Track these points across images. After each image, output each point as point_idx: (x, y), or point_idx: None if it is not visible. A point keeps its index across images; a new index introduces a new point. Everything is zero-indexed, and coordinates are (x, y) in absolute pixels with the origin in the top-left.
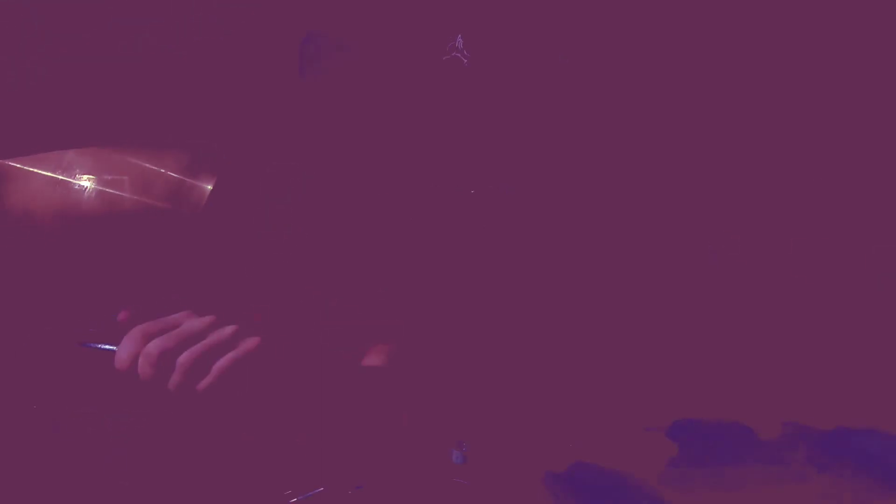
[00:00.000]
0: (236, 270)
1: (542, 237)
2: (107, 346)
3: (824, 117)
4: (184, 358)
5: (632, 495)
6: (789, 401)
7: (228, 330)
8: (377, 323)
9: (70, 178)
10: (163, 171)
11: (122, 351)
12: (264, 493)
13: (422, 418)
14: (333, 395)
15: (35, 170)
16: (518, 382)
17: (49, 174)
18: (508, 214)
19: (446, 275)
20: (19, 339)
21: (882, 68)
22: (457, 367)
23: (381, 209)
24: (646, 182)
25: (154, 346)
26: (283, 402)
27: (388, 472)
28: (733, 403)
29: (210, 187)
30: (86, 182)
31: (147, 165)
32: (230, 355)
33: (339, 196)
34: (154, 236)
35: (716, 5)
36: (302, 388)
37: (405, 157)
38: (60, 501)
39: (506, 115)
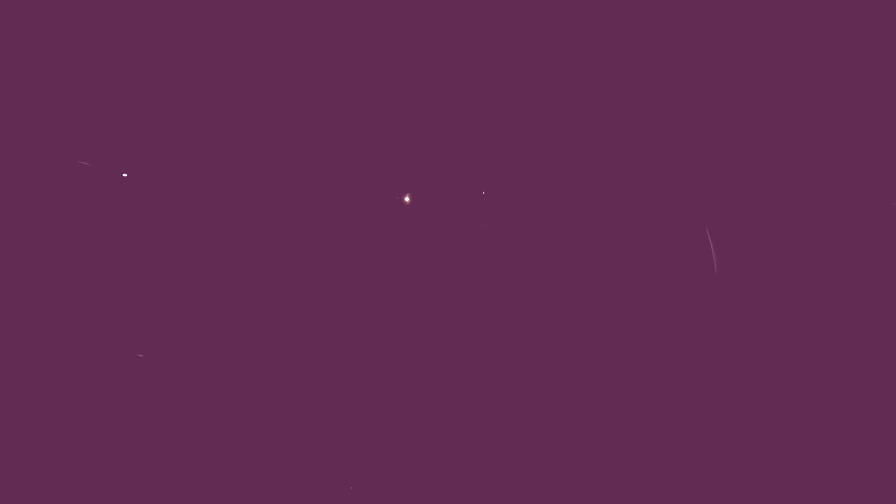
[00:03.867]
0: (238, 270)
1: (542, 239)
2: None
3: (824, 118)
4: None
5: None
6: (787, 400)
7: None
8: (377, 323)
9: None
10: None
11: None
12: (265, 493)
13: (421, 417)
14: (333, 395)
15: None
16: (517, 382)
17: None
18: (509, 216)
19: (445, 275)
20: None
21: (882, 68)
22: (456, 367)
23: (380, 210)
24: (645, 182)
25: None
26: (283, 402)
27: (388, 472)
28: (732, 403)
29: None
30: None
31: None
32: None
33: (338, 196)
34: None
35: (716, 6)
36: (302, 388)
37: (404, 158)
38: (61, 501)
39: (506, 116)
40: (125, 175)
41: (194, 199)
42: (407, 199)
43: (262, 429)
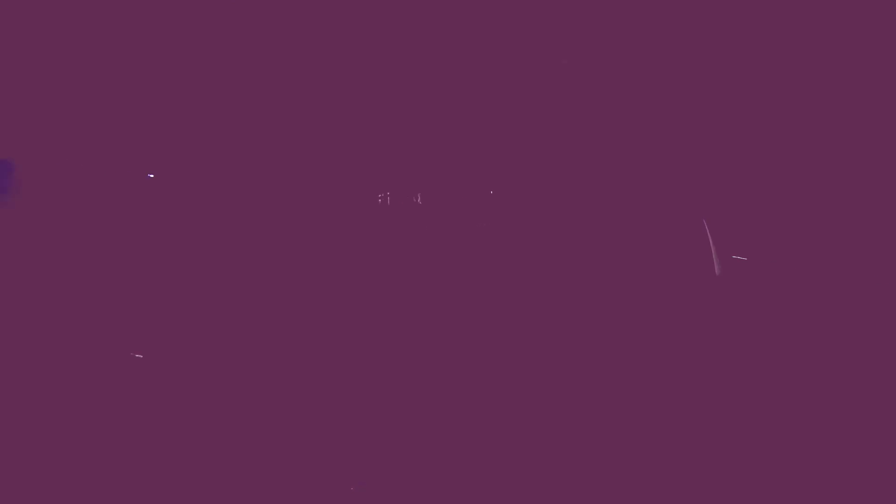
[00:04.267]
0: (238, 270)
1: (544, 238)
2: None
3: (824, 118)
4: None
5: None
6: (787, 399)
7: None
8: (377, 324)
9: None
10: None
11: None
12: (265, 493)
13: (421, 415)
14: (333, 395)
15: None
16: (517, 381)
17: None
18: (513, 215)
19: (445, 275)
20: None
21: (882, 68)
22: (456, 366)
23: (381, 210)
24: (646, 184)
25: None
26: (284, 402)
27: (388, 472)
28: (731, 402)
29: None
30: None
31: None
32: None
33: (338, 196)
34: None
35: (715, 7)
36: (303, 388)
37: (404, 158)
38: (61, 501)
39: (508, 118)
40: (151, 175)
41: (202, 200)
42: (418, 198)
43: (262, 429)
